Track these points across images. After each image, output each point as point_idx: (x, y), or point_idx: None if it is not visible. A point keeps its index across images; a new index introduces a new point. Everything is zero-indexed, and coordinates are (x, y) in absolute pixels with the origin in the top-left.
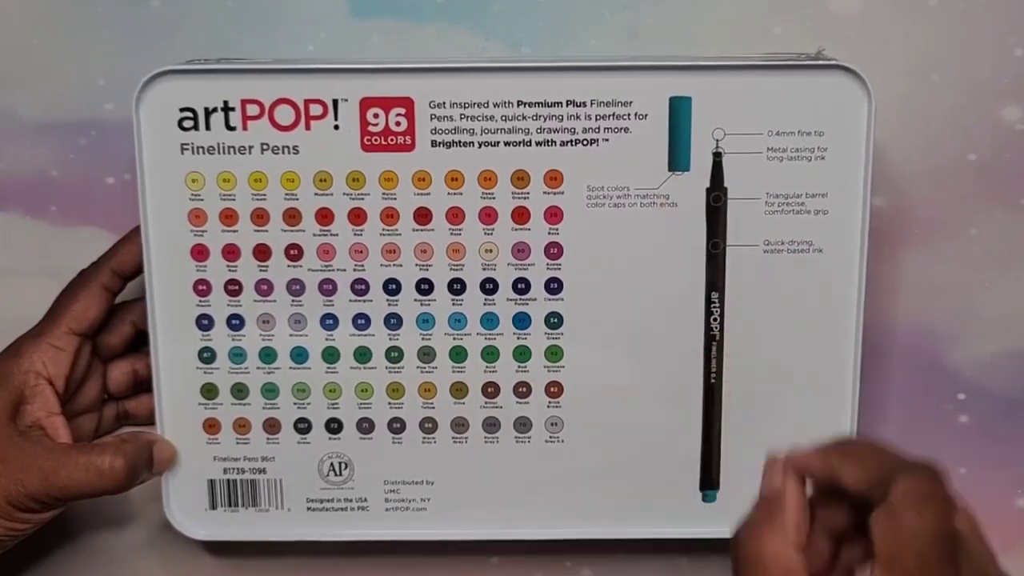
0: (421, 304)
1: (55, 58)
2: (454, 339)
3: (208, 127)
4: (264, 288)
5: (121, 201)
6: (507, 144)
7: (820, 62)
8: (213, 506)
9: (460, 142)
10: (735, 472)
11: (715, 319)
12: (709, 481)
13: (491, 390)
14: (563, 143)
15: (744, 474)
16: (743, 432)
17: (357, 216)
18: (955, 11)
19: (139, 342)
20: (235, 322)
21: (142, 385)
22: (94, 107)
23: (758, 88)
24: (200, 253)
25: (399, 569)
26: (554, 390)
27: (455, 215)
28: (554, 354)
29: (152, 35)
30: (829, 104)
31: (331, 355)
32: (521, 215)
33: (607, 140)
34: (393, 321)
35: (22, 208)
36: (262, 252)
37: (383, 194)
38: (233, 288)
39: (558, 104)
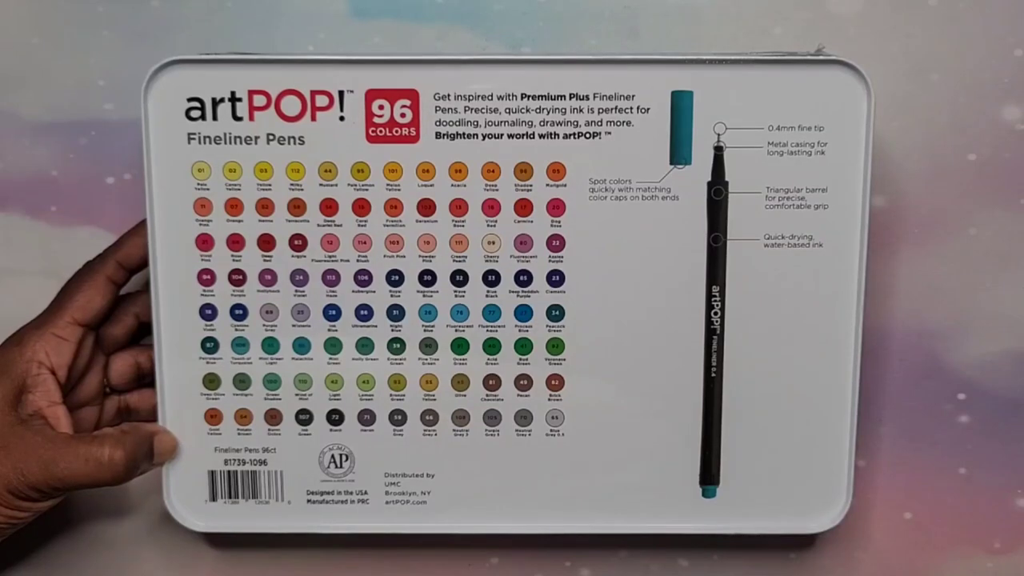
0: (423, 296)
1: (55, 58)
2: (456, 331)
3: (215, 117)
4: (268, 278)
5: (121, 201)
6: (510, 136)
7: (820, 57)
8: (213, 497)
9: (464, 134)
10: (735, 468)
11: (716, 313)
12: (709, 476)
13: (492, 383)
14: (566, 136)
15: (744, 470)
16: (743, 427)
17: (361, 207)
18: (955, 11)
19: (141, 335)
20: (238, 312)
21: (144, 378)
22: (94, 107)
23: (759, 83)
24: (205, 243)
25: (399, 563)
26: (555, 383)
27: (458, 207)
28: (555, 347)
29: (152, 35)
30: (829, 99)
31: (333, 346)
32: (524, 207)
33: (609, 133)
34: (395, 312)
35: (22, 208)
36: (266, 242)
37: (387, 185)
38: (237, 278)
39: (561, 97)
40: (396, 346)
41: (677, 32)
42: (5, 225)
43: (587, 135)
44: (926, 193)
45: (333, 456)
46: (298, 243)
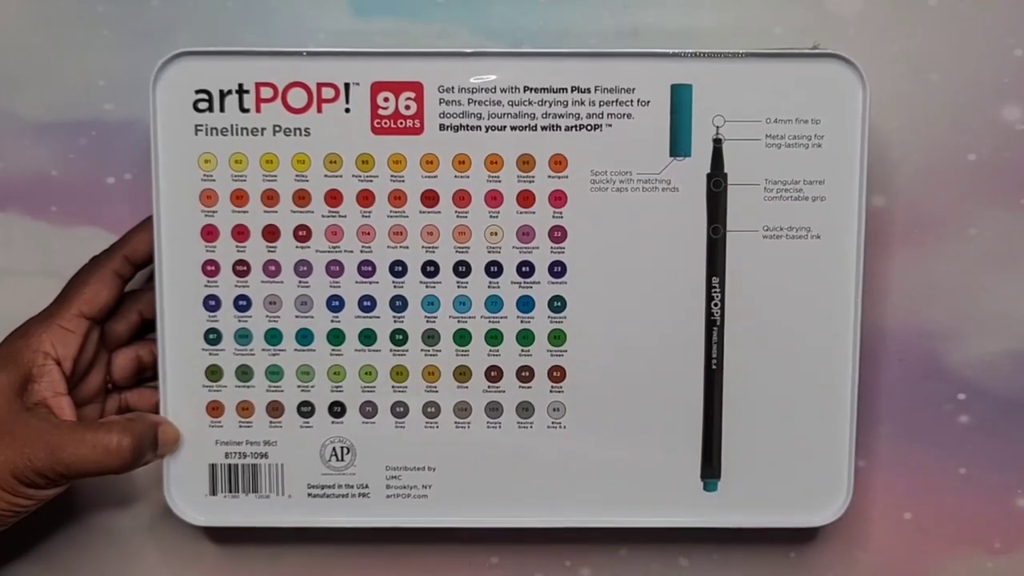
0: (426, 287)
1: (55, 58)
2: (458, 322)
3: (222, 109)
4: (272, 269)
5: (121, 201)
6: (513, 128)
7: (817, 52)
8: (213, 491)
9: (467, 126)
10: (736, 462)
11: (716, 304)
12: (710, 470)
13: (494, 374)
14: (568, 128)
15: (745, 464)
16: (744, 420)
17: (365, 198)
18: (955, 11)
19: (144, 333)
20: (242, 303)
21: (145, 373)
22: (94, 107)
23: (757, 76)
24: (210, 234)
25: (399, 558)
26: (556, 375)
27: (461, 198)
28: (557, 338)
29: (152, 35)
30: (825, 92)
31: (336, 337)
32: (526, 198)
33: (610, 126)
34: (398, 303)
35: (22, 208)
36: (271, 233)
37: (391, 176)
38: (241, 269)
39: (563, 90)
40: (399, 337)
41: (676, 32)
42: (5, 225)
43: (588, 127)
44: (926, 193)
45: (334, 449)
46: (302, 234)
